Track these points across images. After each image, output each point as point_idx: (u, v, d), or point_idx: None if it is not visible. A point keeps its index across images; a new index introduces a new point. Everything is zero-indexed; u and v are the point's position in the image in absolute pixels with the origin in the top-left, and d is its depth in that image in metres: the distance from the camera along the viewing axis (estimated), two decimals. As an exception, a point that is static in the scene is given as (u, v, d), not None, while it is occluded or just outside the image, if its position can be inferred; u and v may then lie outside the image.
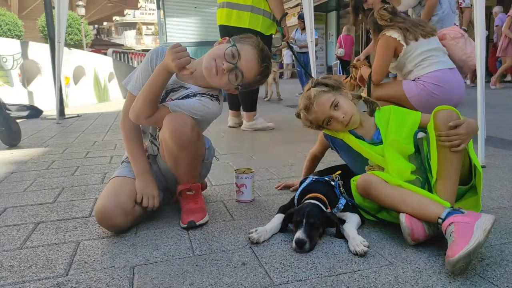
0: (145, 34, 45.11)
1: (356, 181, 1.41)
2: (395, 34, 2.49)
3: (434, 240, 1.23)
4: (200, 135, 1.48)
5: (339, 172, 1.58)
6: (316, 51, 4.96)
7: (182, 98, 1.49)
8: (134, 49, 25.83)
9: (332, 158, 2.19)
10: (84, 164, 2.58)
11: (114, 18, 41.58)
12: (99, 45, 27.32)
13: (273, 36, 3.65)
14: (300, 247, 1.21)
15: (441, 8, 3.32)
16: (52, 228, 1.49)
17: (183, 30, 7.58)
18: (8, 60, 6.01)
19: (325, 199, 1.39)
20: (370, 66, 2.80)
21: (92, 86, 8.42)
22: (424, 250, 1.21)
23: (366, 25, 3.03)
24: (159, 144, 1.54)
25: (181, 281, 1.08)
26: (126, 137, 1.57)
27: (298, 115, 1.61)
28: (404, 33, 2.48)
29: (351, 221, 1.36)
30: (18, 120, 3.52)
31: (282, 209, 1.48)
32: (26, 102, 6.04)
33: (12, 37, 13.92)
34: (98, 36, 40.08)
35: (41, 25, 18.63)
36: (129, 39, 43.32)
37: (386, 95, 2.59)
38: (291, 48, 4.51)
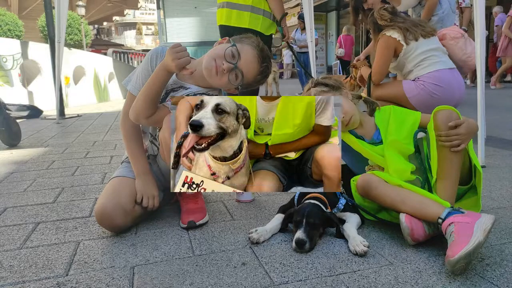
0: (145, 34, 45.07)
1: (356, 181, 1.41)
2: (395, 34, 2.49)
3: (434, 240, 1.23)
4: (200, 135, 1.48)
5: (339, 172, 1.58)
6: (316, 51, 4.96)
7: (182, 98, 1.49)
8: (134, 49, 25.82)
9: (332, 158, 2.19)
10: (84, 164, 2.58)
11: (114, 18, 41.53)
12: (99, 45, 27.29)
13: (273, 36, 3.64)
14: (300, 247, 1.21)
15: (441, 8, 3.31)
16: (52, 228, 1.49)
17: (183, 30, 7.59)
18: (8, 60, 6.01)
19: (325, 199, 1.39)
20: (370, 66, 2.80)
21: (92, 86, 8.42)
22: (424, 250, 1.21)
23: (366, 25, 3.02)
24: (159, 144, 1.54)
25: (181, 281, 1.08)
26: (126, 137, 1.57)
27: (298, 115, 1.61)
28: (404, 33, 2.48)
29: (351, 221, 1.36)
30: (18, 120, 3.53)
31: (282, 209, 1.48)
32: (26, 102, 6.04)
33: (12, 37, 13.89)
34: (98, 36, 40.04)
35: (41, 25, 18.60)
36: (129, 39, 43.27)
37: (386, 95, 2.59)
38: (291, 48, 4.49)
